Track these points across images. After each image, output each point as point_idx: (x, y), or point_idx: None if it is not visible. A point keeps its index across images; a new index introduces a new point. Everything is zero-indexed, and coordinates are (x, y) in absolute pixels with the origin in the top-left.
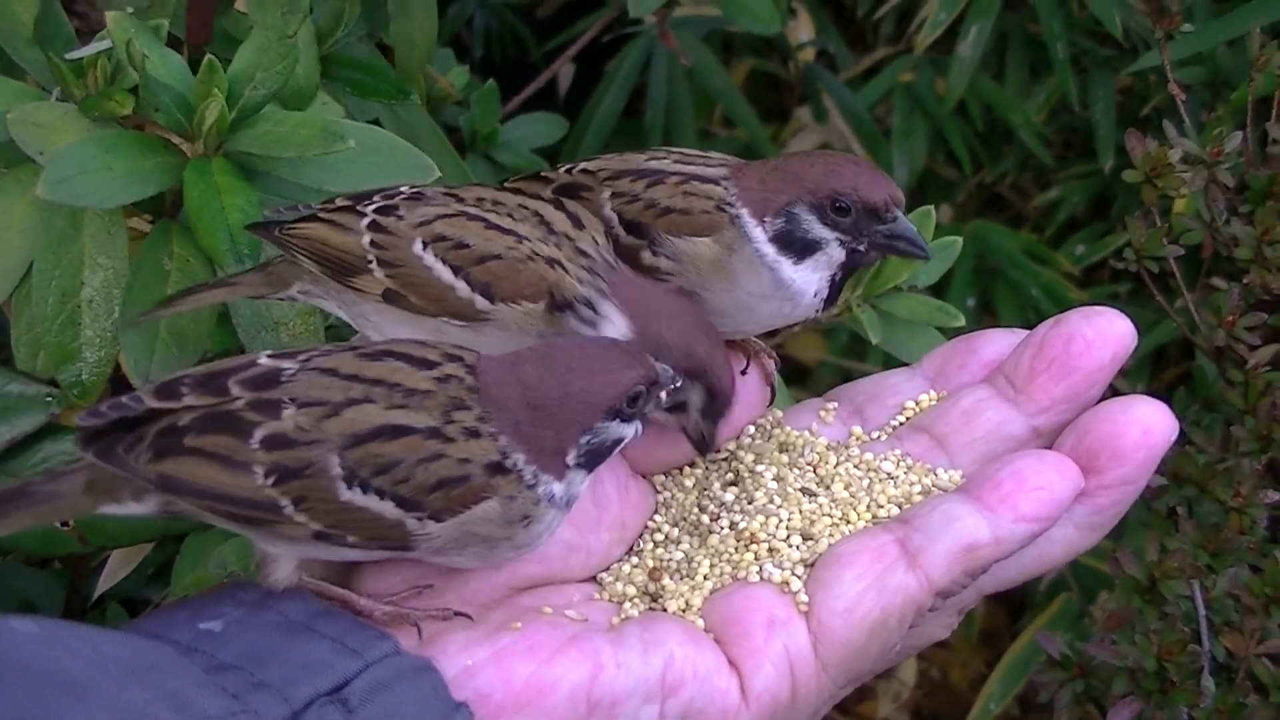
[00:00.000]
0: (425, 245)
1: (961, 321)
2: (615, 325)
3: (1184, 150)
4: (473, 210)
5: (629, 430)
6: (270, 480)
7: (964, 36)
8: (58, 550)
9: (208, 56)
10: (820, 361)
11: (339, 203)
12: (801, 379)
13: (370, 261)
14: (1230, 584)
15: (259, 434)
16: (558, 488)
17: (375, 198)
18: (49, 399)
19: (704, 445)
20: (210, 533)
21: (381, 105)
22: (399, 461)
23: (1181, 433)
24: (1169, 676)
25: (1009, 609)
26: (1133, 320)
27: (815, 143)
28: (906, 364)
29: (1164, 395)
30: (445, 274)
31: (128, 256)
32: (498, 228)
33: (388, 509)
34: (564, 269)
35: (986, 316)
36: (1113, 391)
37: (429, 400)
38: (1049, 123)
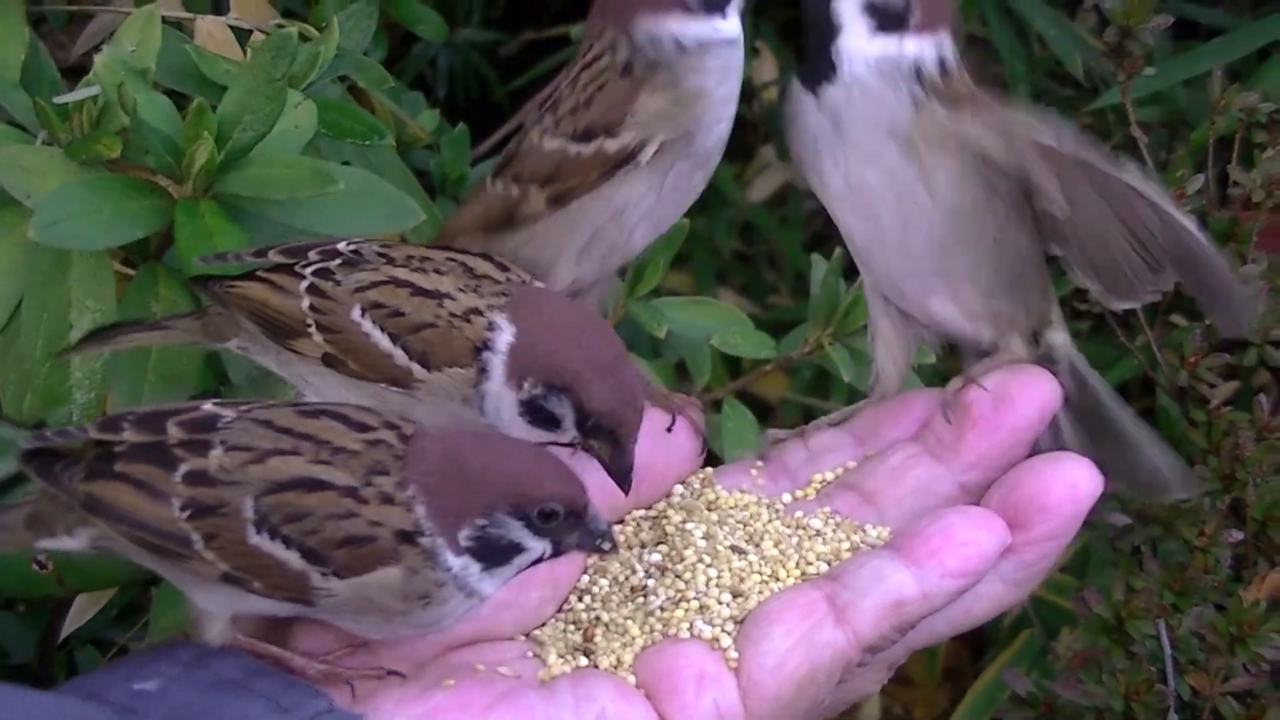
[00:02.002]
0: (364, 312)
1: (931, 359)
2: (504, 333)
3: None
4: (402, 275)
5: (534, 546)
6: (185, 514)
7: None
8: (36, 592)
9: (196, 99)
10: (783, 399)
11: (275, 258)
12: (765, 417)
13: (309, 325)
14: (1195, 623)
15: (183, 468)
16: (455, 562)
17: (311, 255)
18: None
19: (614, 472)
20: None
21: (353, 148)
22: (310, 513)
23: None
24: (1135, 716)
25: (971, 647)
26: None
27: (779, 181)
28: None
29: None
30: (384, 342)
31: (115, 299)
32: (423, 291)
33: (293, 559)
34: (480, 313)
35: (951, 356)
36: None
37: (353, 461)
38: None
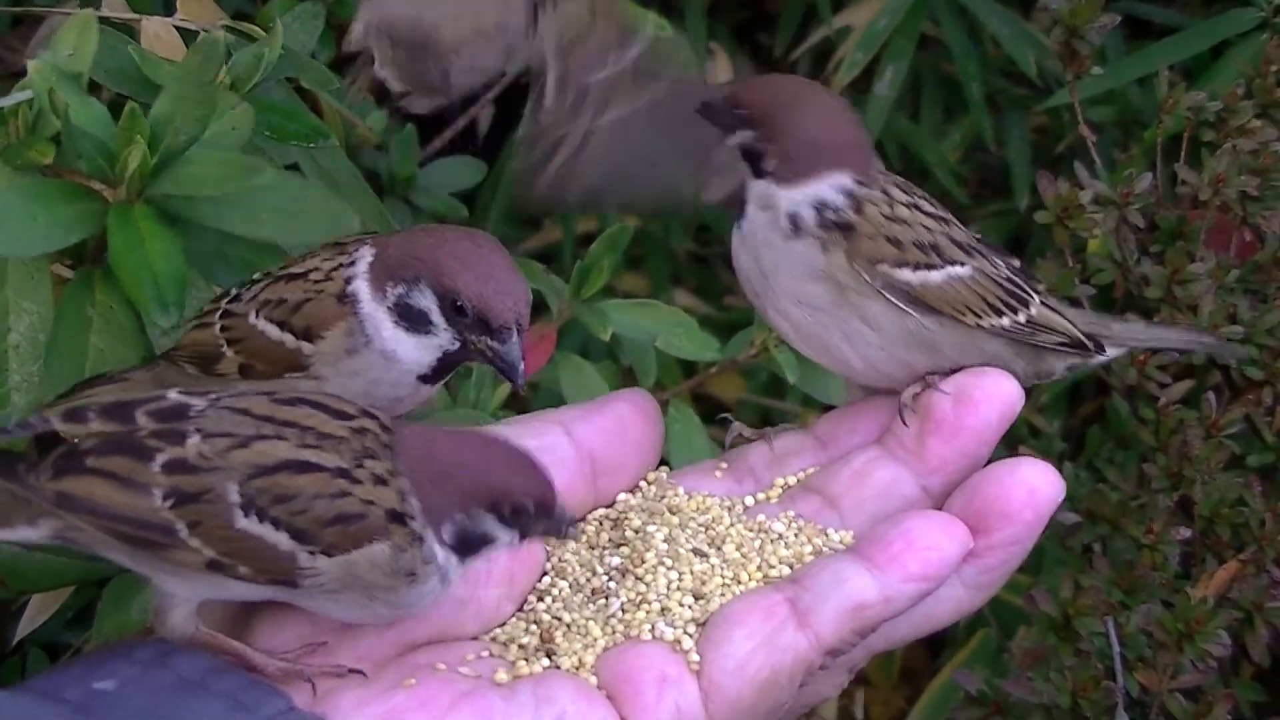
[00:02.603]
0: (257, 314)
1: None
2: (364, 257)
3: (1094, 192)
4: (286, 269)
5: (503, 536)
6: (168, 503)
7: (880, 77)
8: None
9: (129, 104)
10: (739, 400)
11: (207, 307)
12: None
13: (222, 346)
14: (1143, 620)
15: (161, 458)
16: (440, 554)
17: (230, 292)
18: None
19: (504, 373)
20: (133, 576)
21: (300, 149)
22: (300, 493)
23: (1095, 470)
24: (1084, 713)
25: (929, 647)
26: None
27: (734, 183)
28: (826, 404)
29: (1079, 431)
30: (273, 331)
31: (52, 302)
32: (297, 275)
33: (282, 540)
34: (340, 267)
35: None
36: (1028, 428)
37: (342, 445)
38: (964, 161)
